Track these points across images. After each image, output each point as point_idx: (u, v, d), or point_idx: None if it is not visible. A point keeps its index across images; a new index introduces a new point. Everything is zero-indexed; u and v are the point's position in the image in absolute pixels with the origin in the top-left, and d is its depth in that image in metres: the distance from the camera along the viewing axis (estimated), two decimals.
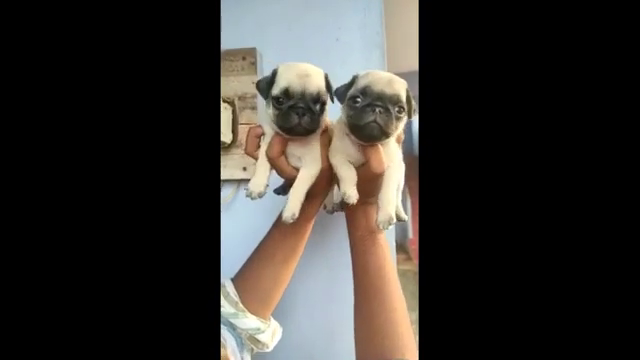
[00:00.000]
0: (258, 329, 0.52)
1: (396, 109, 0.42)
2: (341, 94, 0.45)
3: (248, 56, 0.74)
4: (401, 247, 6.13)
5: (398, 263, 0.71)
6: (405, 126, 0.47)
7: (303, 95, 0.43)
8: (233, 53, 0.74)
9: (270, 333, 0.54)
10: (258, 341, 0.53)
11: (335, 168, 0.48)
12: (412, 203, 6.53)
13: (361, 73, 0.46)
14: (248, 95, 0.74)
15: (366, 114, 0.42)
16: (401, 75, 0.45)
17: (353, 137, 0.45)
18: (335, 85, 0.48)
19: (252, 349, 0.54)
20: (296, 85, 0.43)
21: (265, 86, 0.45)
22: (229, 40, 0.72)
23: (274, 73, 0.45)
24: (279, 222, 0.54)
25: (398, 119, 0.43)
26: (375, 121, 0.41)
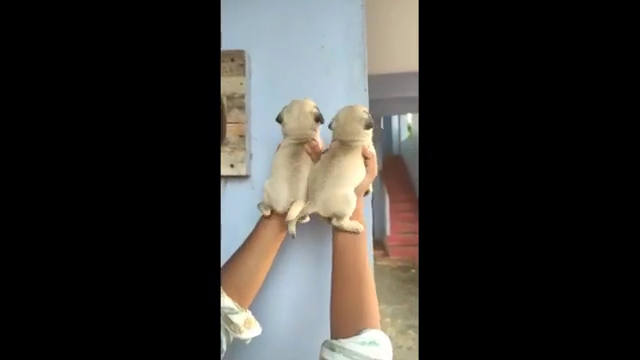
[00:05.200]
0: (232, 309, 0.57)
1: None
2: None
3: (237, 58, 0.77)
4: (378, 243, 6.23)
5: (375, 259, 0.76)
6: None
7: None
8: (222, 54, 0.76)
9: (243, 318, 0.58)
10: (231, 322, 0.57)
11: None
12: (389, 202, 6.61)
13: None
14: (236, 95, 0.77)
15: None
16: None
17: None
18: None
19: (227, 332, 0.58)
20: None
21: None
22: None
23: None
24: (259, 222, 0.64)
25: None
26: None
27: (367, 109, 0.65)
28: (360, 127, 0.62)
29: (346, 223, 0.59)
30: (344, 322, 0.55)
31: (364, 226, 0.61)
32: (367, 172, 0.63)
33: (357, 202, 0.60)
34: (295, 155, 0.63)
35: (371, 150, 0.64)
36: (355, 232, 0.59)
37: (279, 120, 0.67)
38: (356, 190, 0.61)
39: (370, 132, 0.63)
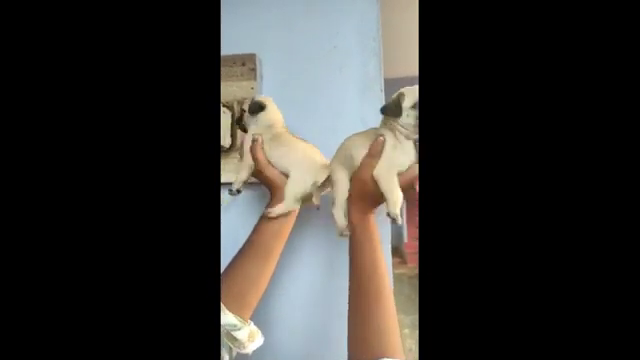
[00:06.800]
0: (235, 326, 0.54)
1: None
2: (397, 109, 0.52)
3: (248, 62, 0.75)
4: (396, 250, 6.15)
5: (393, 267, 0.73)
6: None
7: None
8: (233, 59, 0.75)
9: (246, 332, 0.55)
10: (235, 339, 0.54)
11: (386, 185, 0.52)
12: (407, 208, 6.55)
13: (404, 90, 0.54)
14: (247, 100, 0.76)
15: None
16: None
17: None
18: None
19: (230, 348, 0.55)
20: None
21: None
22: (229, 46, 0.73)
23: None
24: (258, 224, 0.61)
25: None
26: None
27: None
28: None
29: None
30: (360, 347, 0.50)
31: (379, 234, 0.57)
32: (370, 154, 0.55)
33: (368, 209, 0.56)
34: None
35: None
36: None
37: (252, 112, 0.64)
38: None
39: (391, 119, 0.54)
